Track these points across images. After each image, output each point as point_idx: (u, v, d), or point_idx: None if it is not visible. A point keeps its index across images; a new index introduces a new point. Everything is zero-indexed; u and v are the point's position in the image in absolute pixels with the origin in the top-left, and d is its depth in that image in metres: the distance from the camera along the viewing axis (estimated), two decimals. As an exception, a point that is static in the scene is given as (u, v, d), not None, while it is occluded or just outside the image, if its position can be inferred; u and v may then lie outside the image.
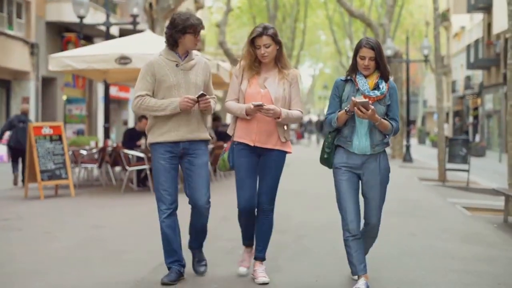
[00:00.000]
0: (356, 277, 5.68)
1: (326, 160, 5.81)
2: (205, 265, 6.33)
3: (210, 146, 16.20)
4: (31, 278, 6.17)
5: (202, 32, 6.03)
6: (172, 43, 5.96)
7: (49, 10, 30.90)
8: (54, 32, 31.53)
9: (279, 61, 6.03)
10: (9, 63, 26.67)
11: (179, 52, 6.02)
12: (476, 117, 48.94)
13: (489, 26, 42.02)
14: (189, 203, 6.10)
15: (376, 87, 5.67)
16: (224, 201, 10.16)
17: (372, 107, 5.44)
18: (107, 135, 18.25)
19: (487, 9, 41.26)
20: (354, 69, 5.73)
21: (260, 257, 6.18)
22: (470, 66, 45.29)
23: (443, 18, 59.04)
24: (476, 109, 48.75)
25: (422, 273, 6.49)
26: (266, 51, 5.89)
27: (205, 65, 6.18)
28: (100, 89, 36.36)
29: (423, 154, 35.53)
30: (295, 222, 9.68)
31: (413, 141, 60.42)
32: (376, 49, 5.60)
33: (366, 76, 5.69)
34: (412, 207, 11.84)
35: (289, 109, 5.99)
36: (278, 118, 5.83)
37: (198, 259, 6.34)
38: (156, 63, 5.97)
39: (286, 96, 5.98)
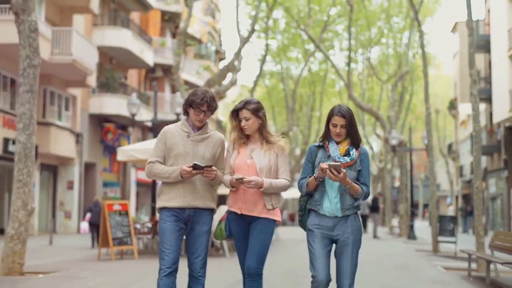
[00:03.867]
0: None
1: (301, 222, 6.13)
2: None
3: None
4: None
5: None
6: (184, 113, 6.31)
7: (92, 103, 34.74)
8: (95, 122, 35.33)
9: (262, 134, 6.26)
10: (57, 151, 30.07)
11: (192, 124, 6.30)
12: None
13: (491, 115, 45.05)
14: (187, 266, 6.29)
15: (347, 153, 5.86)
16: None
17: (344, 170, 5.64)
18: (153, 212, 21.57)
19: (489, 99, 44.20)
20: (326, 136, 5.95)
21: None
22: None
23: (451, 106, 62.57)
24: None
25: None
26: (246, 124, 6.17)
27: (219, 140, 6.37)
28: (132, 174, 39.88)
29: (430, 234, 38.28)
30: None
31: (425, 223, 63.25)
32: (347, 117, 5.79)
33: (337, 143, 5.90)
34: (401, 267, 15.01)
35: (277, 178, 6.20)
36: (261, 187, 6.04)
37: None
38: (169, 132, 6.27)
39: (272, 165, 6.17)
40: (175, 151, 6.18)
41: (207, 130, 6.33)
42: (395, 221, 45.27)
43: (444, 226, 20.08)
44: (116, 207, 16.30)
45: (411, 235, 29.78)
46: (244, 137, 6.27)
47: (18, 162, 12.30)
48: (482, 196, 14.37)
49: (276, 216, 6.17)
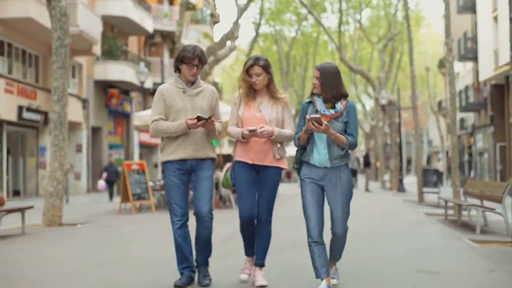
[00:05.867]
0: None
1: (298, 174, 6.42)
2: (210, 279, 6.65)
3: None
4: (154, 243, 11.39)
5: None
6: (175, 70, 6.64)
7: (96, 70, 36.45)
8: (100, 88, 37.07)
9: (269, 89, 6.63)
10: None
11: (185, 79, 6.61)
12: (470, 155, 54.04)
13: (477, 73, 45.94)
14: (194, 213, 6.58)
15: (333, 106, 6.20)
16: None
17: (325, 122, 5.94)
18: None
19: (475, 58, 45.53)
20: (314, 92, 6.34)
21: (259, 263, 6.74)
22: (462, 109, 50.21)
23: (440, 65, 64.32)
24: (470, 147, 53.80)
25: (376, 231, 11.77)
26: (257, 79, 6.52)
27: (211, 92, 6.71)
28: (135, 136, 41.70)
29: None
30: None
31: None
32: (321, 70, 6.20)
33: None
34: (387, 213, 17.05)
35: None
36: (272, 136, 6.43)
37: (203, 274, 6.68)
38: (165, 90, 6.58)
39: (279, 117, 6.59)
40: (175, 107, 6.51)
41: (200, 84, 6.70)
42: (387, 176, 47.25)
43: (428, 179, 22.20)
44: (134, 166, 18.34)
45: (401, 188, 31.74)
46: (252, 92, 6.64)
47: (54, 129, 14.23)
48: (457, 151, 16.25)
49: (284, 164, 6.68)
